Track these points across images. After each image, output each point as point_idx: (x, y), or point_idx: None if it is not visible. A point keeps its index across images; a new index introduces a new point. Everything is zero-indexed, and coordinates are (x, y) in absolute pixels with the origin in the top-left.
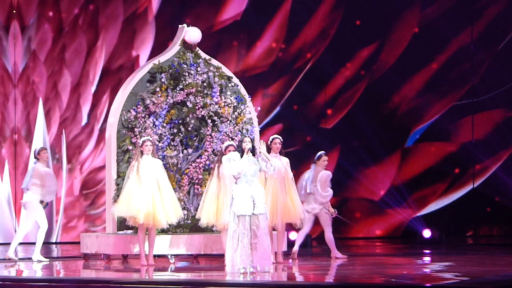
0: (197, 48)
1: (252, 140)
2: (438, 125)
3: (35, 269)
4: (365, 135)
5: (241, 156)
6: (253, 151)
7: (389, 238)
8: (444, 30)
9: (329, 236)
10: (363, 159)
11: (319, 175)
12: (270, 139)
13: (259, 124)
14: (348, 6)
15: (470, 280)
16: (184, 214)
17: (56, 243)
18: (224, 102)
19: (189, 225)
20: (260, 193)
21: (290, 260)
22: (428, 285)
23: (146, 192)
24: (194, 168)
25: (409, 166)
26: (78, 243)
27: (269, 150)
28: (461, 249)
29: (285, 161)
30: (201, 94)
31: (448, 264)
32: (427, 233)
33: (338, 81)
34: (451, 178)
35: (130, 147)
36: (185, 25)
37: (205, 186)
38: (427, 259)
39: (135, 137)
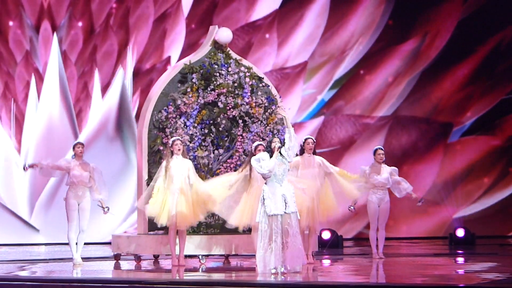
0: (228, 49)
1: (281, 141)
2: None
3: (70, 270)
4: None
5: (271, 157)
6: (280, 151)
7: (431, 238)
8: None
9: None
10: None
11: (391, 169)
12: (303, 140)
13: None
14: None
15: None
16: (215, 215)
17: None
18: (255, 102)
19: (220, 225)
20: (290, 192)
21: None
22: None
23: (173, 193)
24: (225, 169)
25: (453, 161)
26: (109, 243)
27: (302, 150)
28: (493, 250)
29: (319, 160)
30: (232, 95)
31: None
32: (460, 233)
33: None
34: (499, 174)
35: (161, 148)
36: (216, 25)
37: None
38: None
39: (166, 138)
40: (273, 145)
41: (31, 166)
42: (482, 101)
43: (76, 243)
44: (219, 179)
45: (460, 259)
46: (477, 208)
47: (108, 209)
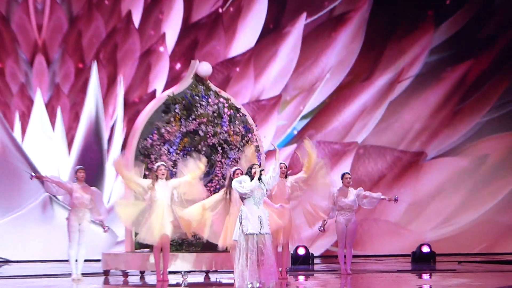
0: (208, 81)
1: (260, 166)
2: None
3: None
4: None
5: (251, 180)
6: (260, 176)
7: (395, 256)
8: None
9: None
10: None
11: (357, 191)
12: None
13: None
14: None
15: None
16: (197, 234)
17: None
18: (233, 131)
19: (201, 244)
20: (266, 215)
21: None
22: None
23: (159, 215)
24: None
25: (421, 183)
26: (99, 260)
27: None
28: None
29: (290, 181)
30: (212, 124)
31: None
32: (423, 250)
33: None
34: (465, 196)
35: (147, 172)
36: (197, 60)
37: None
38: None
39: (151, 163)
40: (253, 170)
41: (37, 176)
42: (451, 127)
43: (76, 260)
44: (199, 203)
45: (423, 275)
46: (441, 227)
47: (108, 228)
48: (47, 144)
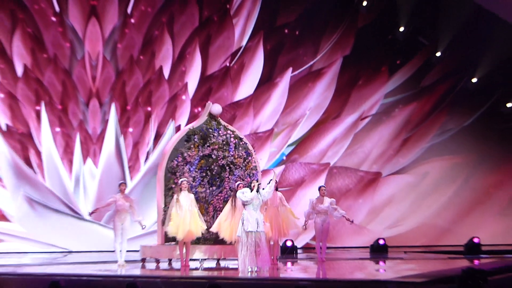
0: (219, 118)
1: (257, 181)
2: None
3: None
4: (344, 175)
5: (251, 191)
6: (257, 188)
7: (358, 247)
8: None
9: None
10: (343, 191)
11: (330, 200)
12: (268, 182)
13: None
14: None
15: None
16: (211, 231)
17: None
18: (237, 155)
19: (214, 239)
20: (261, 218)
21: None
22: None
23: (183, 217)
24: (217, 200)
25: (379, 194)
26: (137, 251)
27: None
28: (400, 255)
29: (280, 195)
30: (222, 149)
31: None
32: (379, 243)
33: None
34: (410, 205)
35: (173, 186)
36: (210, 102)
37: None
38: None
39: (176, 179)
40: (253, 184)
41: (93, 212)
42: (400, 153)
43: (120, 251)
44: (217, 222)
45: (380, 262)
46: (392, 227)
47: (145, 226)
48: (102, 162)
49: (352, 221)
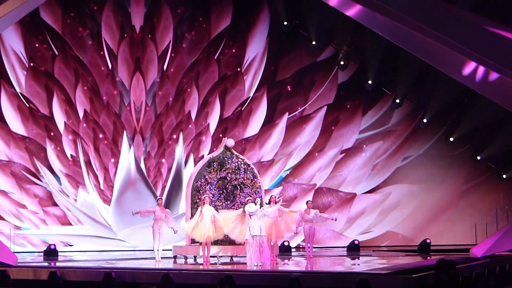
0: (232, 150)
1: (261, 198)
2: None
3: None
4: (326, 194)
5: (255, 205)
6: (261, 203)
7: (337, 247)
8: None
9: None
10: (326, 206)
11: (315, 211)
12: (269, 196)
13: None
14: None
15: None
16: (226, 235)
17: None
18: (246, 177)
19: (228, 241)
20: (263, 225)
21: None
22: None
23: (205, 225)
24: None
25: (353, 208)
26: (170, 250)
27: (269, 202)
28: (369, 253)
29: (277, 207)
30: (234, 173)
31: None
32: (354, 243)
33: None
34: (378, 215)
35: (198, 200)
36: (226, 137)
37: None
38: None
39: (200, 195)
40: (256, 200)
41: (137, 213)
42: (370, 177)
43: (157, 250)
44: (229, 212)
45: (355, 258)
46: (364, 233)
47: (177, 231)
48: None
49: (335, 219)
